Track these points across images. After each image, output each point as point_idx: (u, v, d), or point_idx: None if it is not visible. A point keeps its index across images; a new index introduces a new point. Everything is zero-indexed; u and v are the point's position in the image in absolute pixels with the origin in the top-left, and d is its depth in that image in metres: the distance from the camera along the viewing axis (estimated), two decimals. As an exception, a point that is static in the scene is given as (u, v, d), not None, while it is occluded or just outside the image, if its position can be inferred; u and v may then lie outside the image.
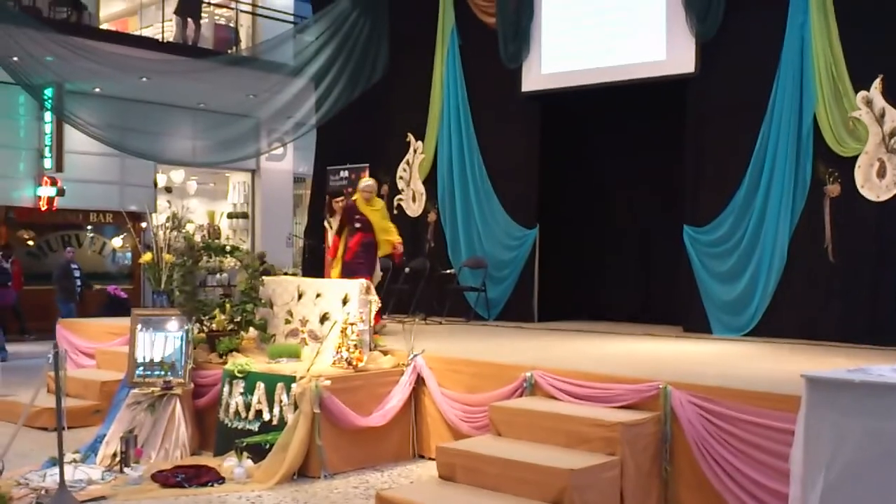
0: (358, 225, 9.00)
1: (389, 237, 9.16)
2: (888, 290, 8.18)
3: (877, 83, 8.30)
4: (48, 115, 15.31)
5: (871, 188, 8.34)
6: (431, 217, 12.05)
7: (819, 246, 8.66)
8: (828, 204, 8.64)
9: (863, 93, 8.37)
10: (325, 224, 9.94)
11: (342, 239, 9.13)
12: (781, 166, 8.87)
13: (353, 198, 9.36)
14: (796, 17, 8.82)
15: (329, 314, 7.40)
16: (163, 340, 7.18)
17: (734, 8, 9.29)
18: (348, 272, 8.68)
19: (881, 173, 8.28)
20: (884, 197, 8.25)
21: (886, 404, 3.51)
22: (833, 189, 8.60)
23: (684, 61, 9.69)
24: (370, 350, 7.17)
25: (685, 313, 9.71)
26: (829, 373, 3.86)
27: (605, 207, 11.46)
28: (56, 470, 5.61)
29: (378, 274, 9.15)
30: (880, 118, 8.28)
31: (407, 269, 10.64)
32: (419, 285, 11.00)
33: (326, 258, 9.71)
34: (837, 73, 8.52)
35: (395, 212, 12.33)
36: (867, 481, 3.51)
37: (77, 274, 14.50)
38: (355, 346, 6.90)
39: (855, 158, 8.43)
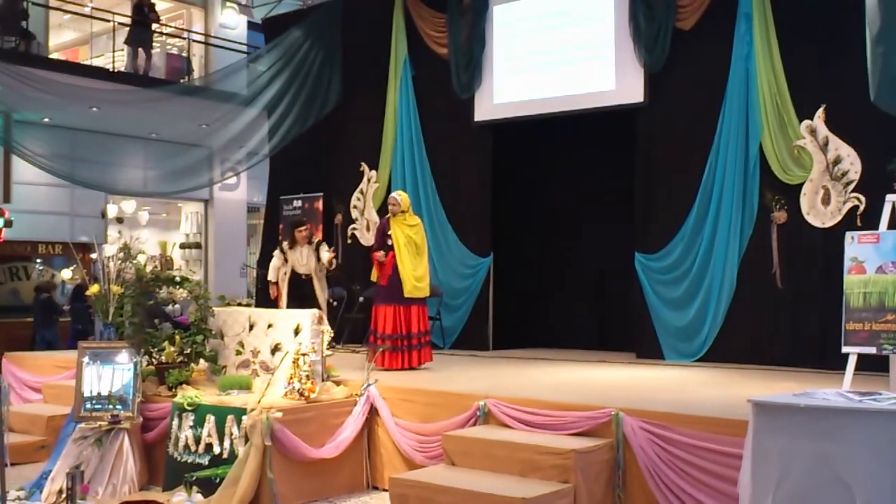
0: (390, 243, 8.42)
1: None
2: (834, 314, 8.31)
3: (820, 112, 8.50)
4: (-5, 146, 15.01)
5: (817, 215, 8.51)
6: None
7: (767, 272, 8.80)
8: (775, 231, 8.79)
9: (807, 122, 8.56)
10: (276, 252, 9.72)
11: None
12: (729, 194, 9.02)
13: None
14: (741, 48, 9.02)
15: (281, 345, 7.34)
16: (111, 373, 7.04)
17: (681, 39, 9.47)
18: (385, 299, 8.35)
19: (826, 200, 8.46)
20: (829, 223, 8.41)
21: (831, 428, 3.55)
22: (780, 216, 8.76)
23: (634, 91, 9.83)
24: (322, 380, 7.10)
25: (638, 340, 9.78)
26: (775, 397, 3.89)
27: (558, 235, 11.53)
28: (-2, 508, 5.47)
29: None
30: (824, 146, 8.46)
31: (333, 301, 10.40)
32: (339, 314, 10.82)
33: (270, 287, 9.59)
34: (782, 103, 8.72)
35: (349, 241, 12.34)
36: (813, 505, 3.54)
37: None
38: (307, 376, 6.84)
39: (800, 186, 8.60)
